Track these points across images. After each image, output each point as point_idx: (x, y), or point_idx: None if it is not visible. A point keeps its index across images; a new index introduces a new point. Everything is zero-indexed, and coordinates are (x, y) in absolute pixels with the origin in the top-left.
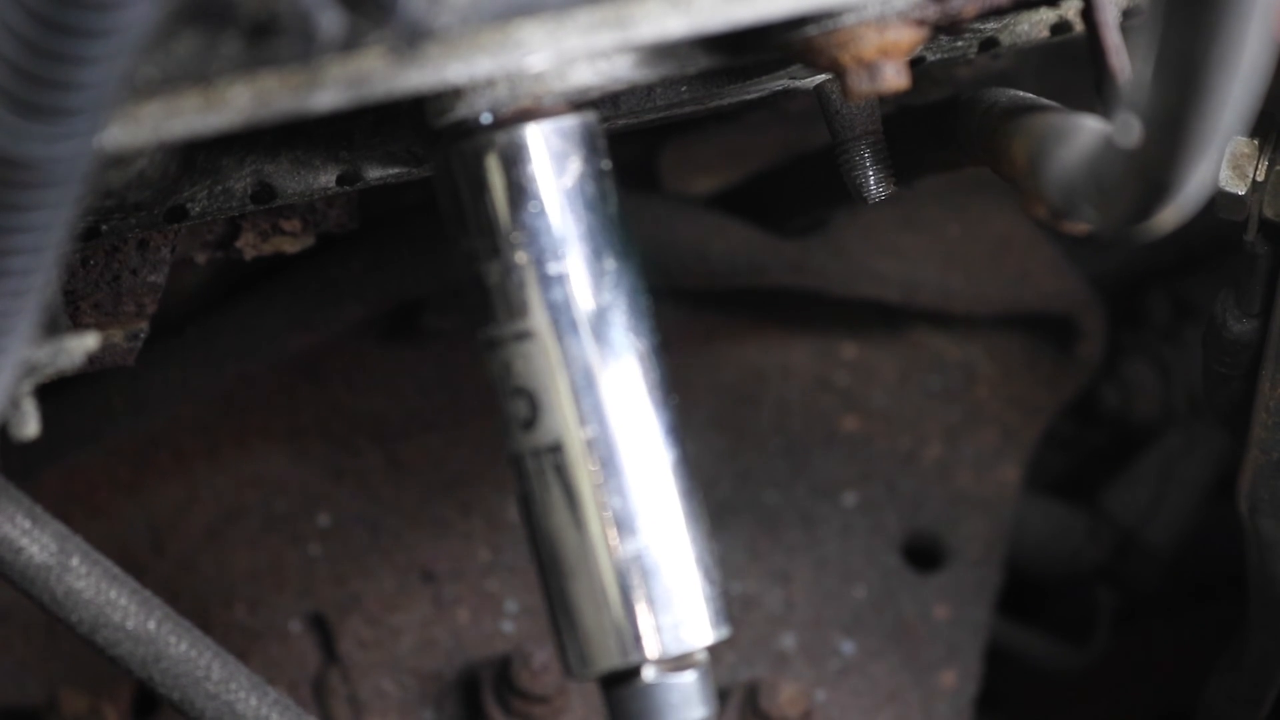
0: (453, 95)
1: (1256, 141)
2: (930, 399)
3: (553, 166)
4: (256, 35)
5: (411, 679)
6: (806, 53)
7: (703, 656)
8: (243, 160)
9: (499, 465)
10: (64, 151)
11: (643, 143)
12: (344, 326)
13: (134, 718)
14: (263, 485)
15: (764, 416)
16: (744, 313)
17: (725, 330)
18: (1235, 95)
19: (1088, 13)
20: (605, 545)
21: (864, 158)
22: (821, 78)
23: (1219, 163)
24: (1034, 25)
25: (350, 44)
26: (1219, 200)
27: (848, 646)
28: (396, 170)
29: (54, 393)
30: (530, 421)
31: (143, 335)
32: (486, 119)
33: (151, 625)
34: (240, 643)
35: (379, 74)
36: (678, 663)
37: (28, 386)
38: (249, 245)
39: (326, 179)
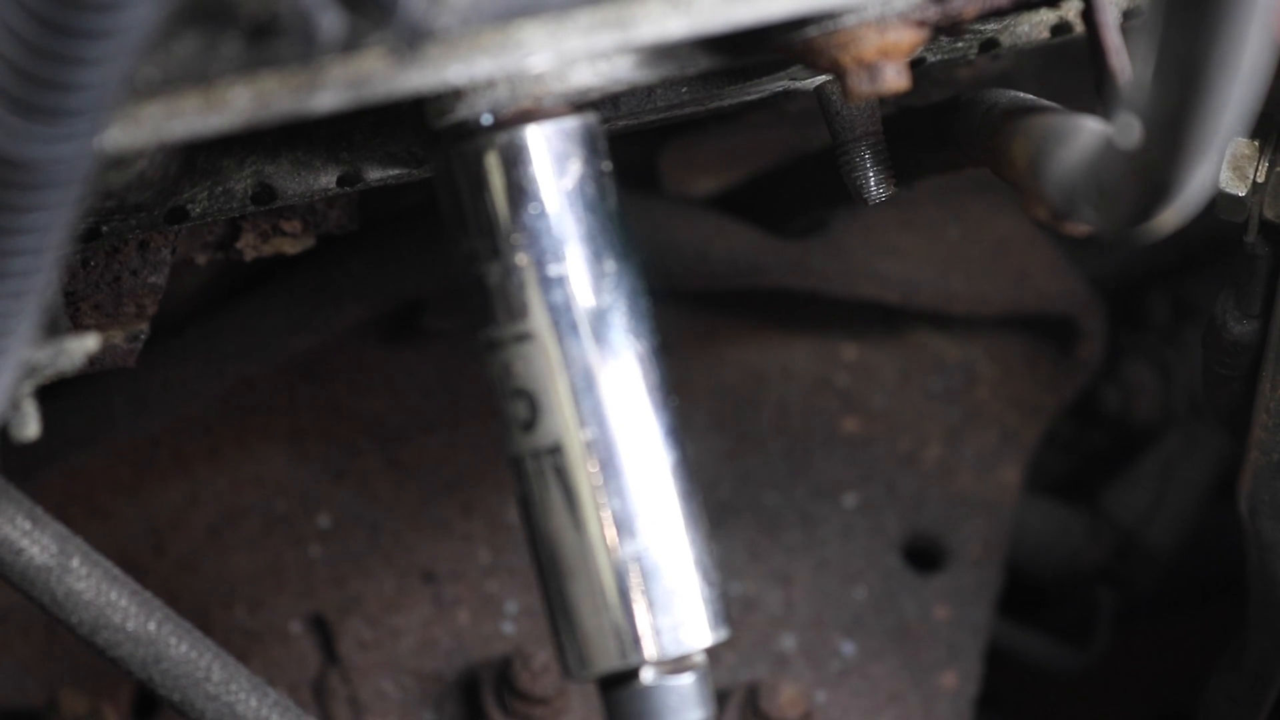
0: (453, 96)
1: (1257, 143)
2: (931, 400)
3: (553, 167)
4: (257, 36)
5: (412, 680)
6: (807, 54)
7: (701, 658)
8: (243, 161)
9: (499, 466)
10: (64, 152)
11: (643, 144)
12: (344, 327)
13: (134, 719)
14: (263, 486)
15: (764, 417)
16: (744, 314)
17: (725, 331)
18: (1235, 96)
19: (1088, 14)
20: (604, 547)
21: (864, 159)
22: (822, 79)
23: (1219, 164)
24: (1034, 26)
25: (350, 45)
26: (1219, 201)
27: (848, 647)
28: (397, 171)
29: (54, 394)
30: (530, 423)
31: (143, 336)
32: (487, 120)
33: (152, 626)
34: (241, 644)
35: (379, 75)
36: (676, 664)
37: (28, 388)
38: (249, 246)
39: (327, 180)
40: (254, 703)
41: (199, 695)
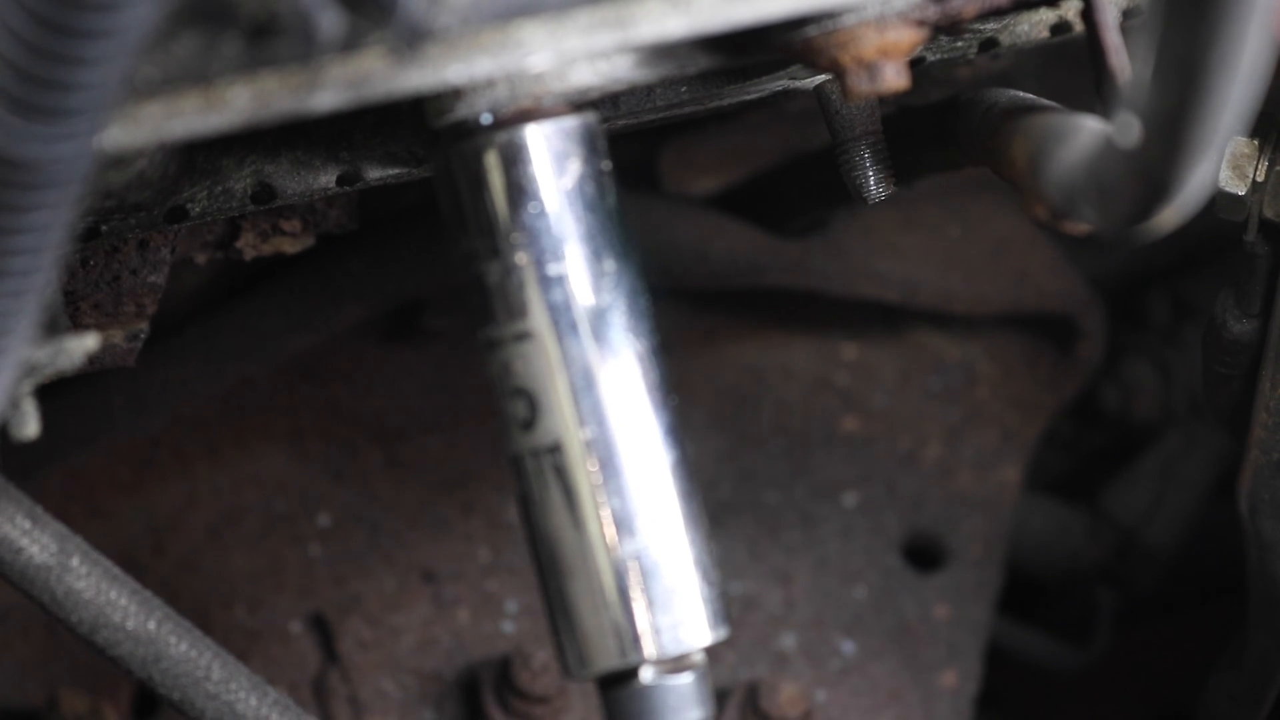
0: (453, 96)
1: (1256, 142)
2: (930, 399)
3: (553, 167)
4: (256, 36)
5: (412, 679)
6: (806, 53)
7: (700, 658)
8: (243, 161)
9: (499, 465)
10: (64, 152)
11: (643, 143)
12: (344, 327)
13: (134, 718)
14: (263, 485)
15: (764, 417)
16: (744, 313)
17: (725, 331)
18: (1235, 96)
19: (1087, 13)
20: (604, 546)
21: (864, 158)
22: (821, 78)
23: (1219, 163)
24: (1034, 26)
25: (350, 44)
26: (1219, 200)
27: (848, 646)
28: (396, 170)
29: (54, 393)
30: (530, 422)
31: (143, 336)
32: (486, 119)
33: (151, 625)
34: (240, 643)
35: (379, 74)
36: (675, 664)
37: (28, 387)
38: (249, 245)
39: (326, 179)
40: (254, 702)
41: (199, 694)
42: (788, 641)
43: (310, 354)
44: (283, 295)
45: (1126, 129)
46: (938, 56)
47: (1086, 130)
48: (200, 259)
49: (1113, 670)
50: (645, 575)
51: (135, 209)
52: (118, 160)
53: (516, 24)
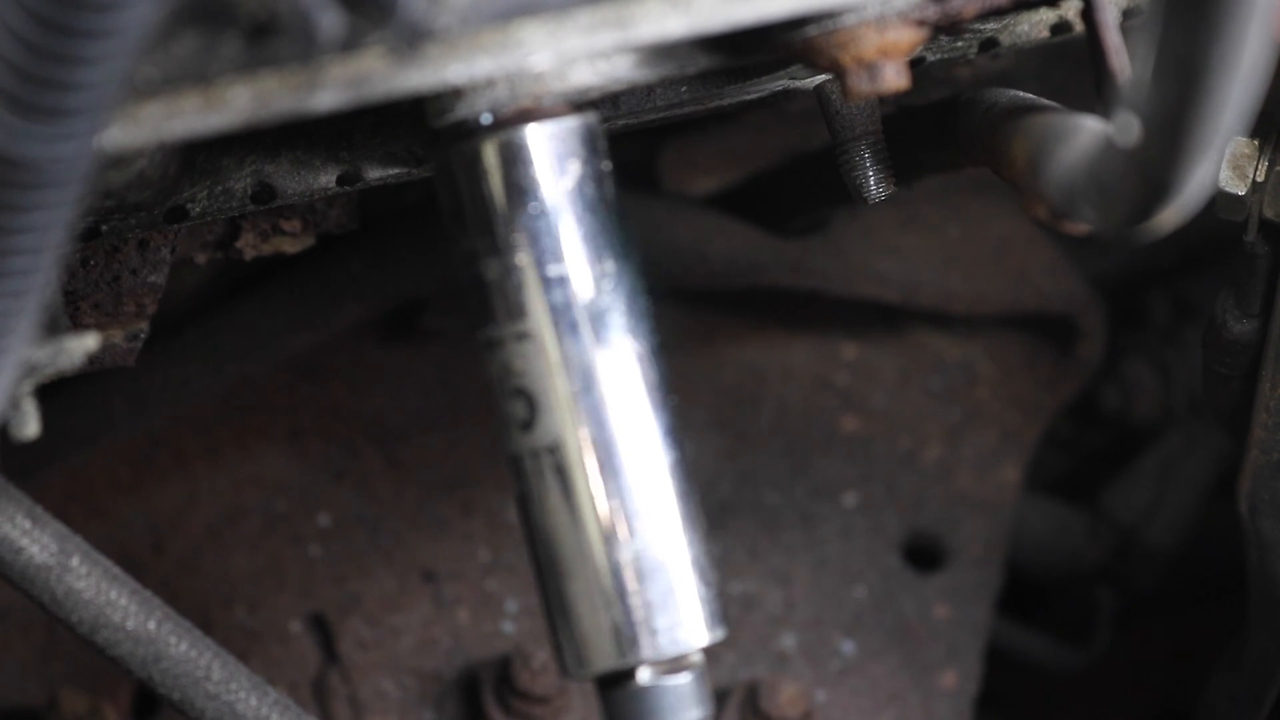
0: (453, 95)
1: (1256, 142)
2: (930, 399)
3: (552, 167)
4: (256, 35)
5: (412, 679)
6: (806, 53)
7: (698, 658)
8: (243, 160)
9: (499, 465)
10: (64, 152)
11: (643, 143)
12: (344, 326)
13: (134, 718)
14: (263, 485)
15: (764, 417)
16: (744, 313)
17: (725, 331)
18: (1235, 96)
19: (1088, 13)
20: (602, 546)
21: (864, 158)
22: (822, 78)
23: (1219, 163)
24: (1034, 25)
25: (350, 44)
26: (1219, 200)
27: (848, 647)
28: (396, 170)
29: (54, 393)
30: (529, 422)
31: (143, 335)
32: (486, 119)
33: (151, 625)
34: (240, 643)
35: (379, 74)
36: (674, 664)
37: (28, 387)
38: (249, 245)
39: (327, 179)
40: (254, 702)
41: (199, 694)
42: (788, 641)
43: (310, 354)
44: (283, 295)
45: (1127, 129)
46: (938, 56)
47: (1087, 130)
48: (200, 259)
49: (1113, 670)
50: (643, 576)
51: (135, 209)
52: (118, 160)
53: (516, 24)
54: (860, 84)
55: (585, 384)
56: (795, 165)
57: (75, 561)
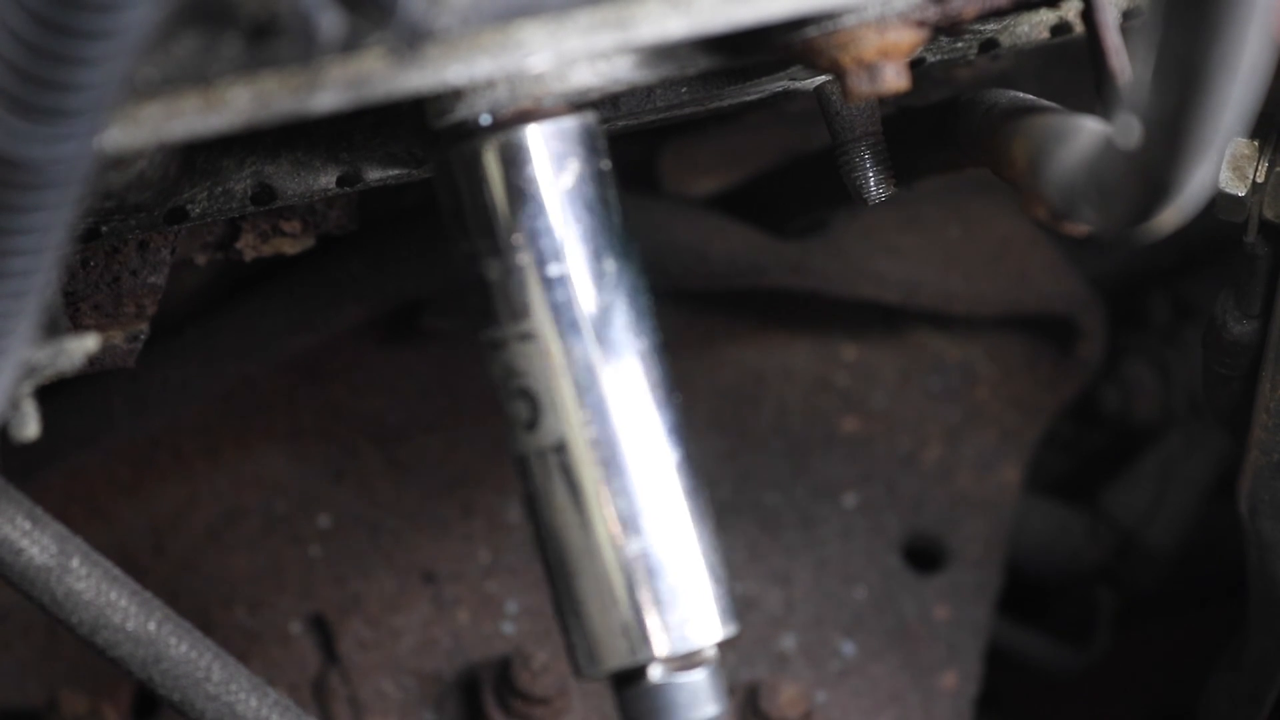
0: (453, 96)
1: (1256, 143)
2: (930, 400)
3: (553, 167)
4: (256, 36)
5: (412, 680)
6: (807, 54)
7: (712, 654)
8: (243, 161)
9: (499, 466)
10: (64, 153)
11: (643, 144)
12: (344, 327)
13: (134, 719)
14: (263, 486)
15: (764, 417)
16: (744, 314)
17: (725, 331)
18: (1235, 97)
19: (1088, 14)
20: (611, 544)
21: (864, 159)
22: (822, 79)
23: (1219, 164)
24: (1034, 26)
25: (350, 45)
26: (1219, 201)
27: (848, 647)
28: (396, 171)
29: (54, 394)
30: (534, 422)
31: (143, 336)
32: (486, 120)
33: (152, 626)
34: (240, 644)
35: (379, 75)
36: (687, 660)
37: (28, 388)
38: (249, 246)
39: (327, 180)
40: (254, 703)
41: (199, 695)
42: (788, 642)
43: (310, 354)
44: (283, 296)
45: (1127, 130)
46: (938, 57)
47: (1087, 131)
48: (200, 260)
49: (1113, 670)
50: (653, 573)
51: (135, 210)
52: (118, 161)
53: (516, 24)
54: (860, 85)
55: (589, 383)
56: (795, 166)
57: (75, 562)
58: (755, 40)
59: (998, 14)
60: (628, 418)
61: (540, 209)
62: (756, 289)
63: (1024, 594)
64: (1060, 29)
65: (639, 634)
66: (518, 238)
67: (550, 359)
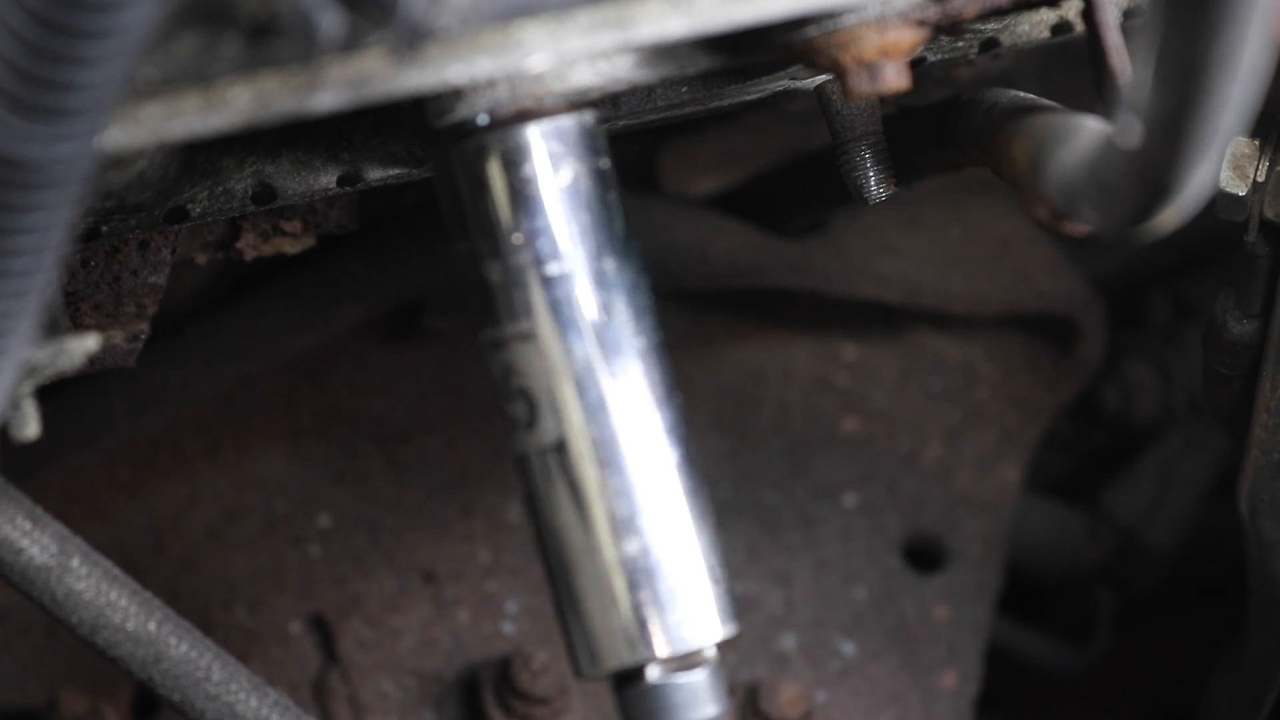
0: (453, 96)
1: (1257, 142)
2: (931, 400)
3: (553, 167)
4: (257, 36)
5: (412, 680)
6: (807, 53)
7: (712, 654)
8: (243, 161)
9: (499, 466)
10: (64, 152)
11: (643, 143)
12: (344, 327)
13: (134, 719)
14: (263, 486)
15: (764, 417)
16: (744, 314)
17: (725, 331)
18: (1236, 96)
19: (1088, 13)
20: (611, 544)
21: (864, 158)
22: (822, 78)
23: (1219, 163)
24: (1034, 26)
25: (350, 45)
26: (1219, 201)
27: (848, 647)
28: (397, 171)
29: (54, 394)
30: (534, 422)
31: (143, 336)
32: (486, 120)
33: (152, 626)
34: (241, 644)
35: (379, 75)
36: (687, 660)
37: (28, 387)
38: (249, 246)
39: (327, 180)
40: (254, 703)
41: (199, 695)
42: (788, 642)
43: (310, 354)
44: (283, 295)
45: (1127, 129)
46: (938, 57)
47: (1087, 130)
48: (201, 259)
49: (1113, 670)
50: (653, 573)
51: (136, 209)
52: (118, 160)
53: (517, 24)
54: (861, 84)
55: (589, 383)
56: (795, 165)
57: (75, 562)
58: (755, 40)
59: (998, 13)
60: (628, 417)
61: (540, 208)
62: (757, 289)
63: (1024, 594)
64: (1060, 28)
65: (639, 634)
66: (518, 237)
67: (550, 359)
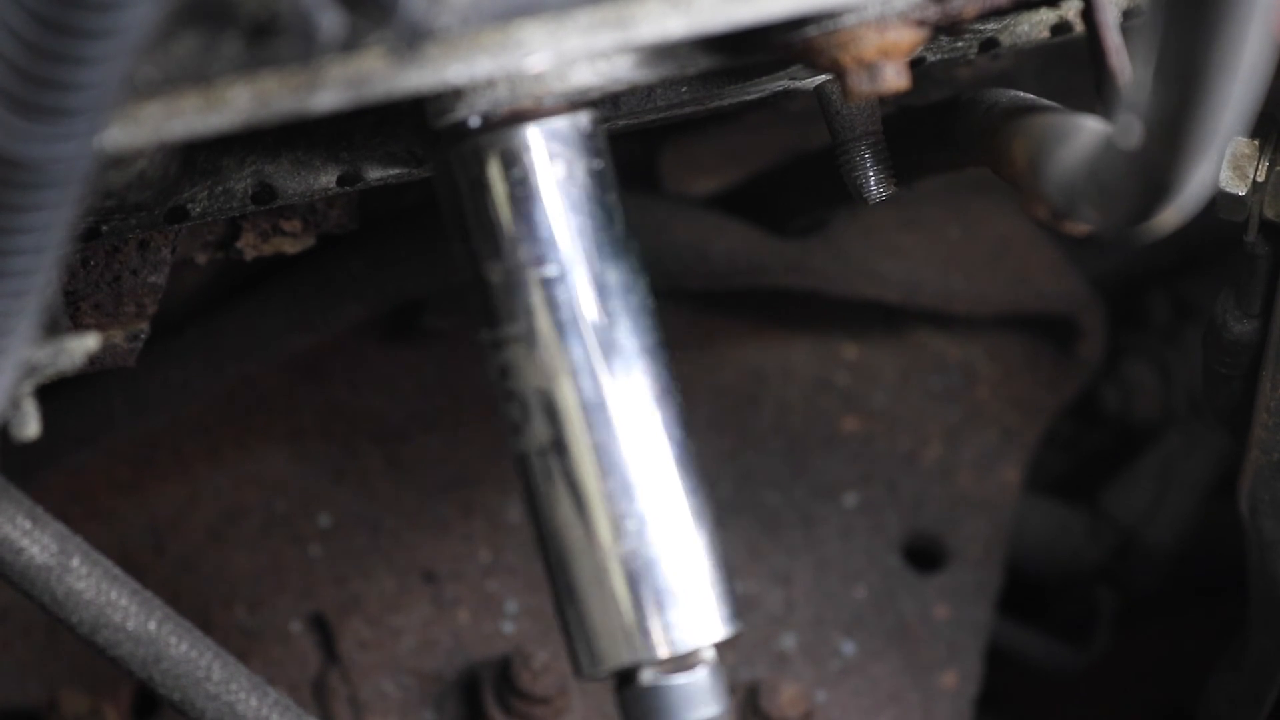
0: (453, 96)
1: (1257, 142)
2: (931, 399)
3: (552, 167)
4: (257, 36)
5: (412, 679)
6: (807, 53)
7: (712, 654)
8: (243, 161)
9: (499, 465)
10: (64, 152)
11: (643, 143)
12: (344, 326)
13: (134, 718)
14: (263, 486)
15: (764, 417)
16: (744, 313)
17: (726, 331)
18: (1236, 96)
19: (1088, 13)
20: (611, 544)
21: (864, 158)
22: (822, 78)
23: (1219, 163)
24: (1034, 26)
25: (350, 44)
26: (1219, 201)
27: (848, 647)
28: (397, 171)
29: (54, 393)
30: (534, 422)
31: (143, 336)
32: (486, 120)
33: (152, 626)
34: (241, 643)
35: (379, 74)
36: (687, 660)
37: (28, 387)
38: (249, 246)
39: (327, 179)
40: (254, 702)
41: (199, 695)
42: (788, 642)
43: (310, 354)
44: (283, 295)
45: (1127, 129)
46: (938, 57)
47: (1087, 130)
48: (201, 259)
49: (1113, 670)
50: (653, 573)
51: (136, 209)
52: (118, 160)
53: (516, 24)
54: (860, 84)
55: (588, 383)
56: (795, 165)
57: (75, 562)
58: (755, 40)
59: (998, 13)
60: (627, 418)
61: (540, 208)
62: (756, 288)
63: (1024, 594)
64: (1060, 28)
65: (639, 634)
66: (518, 237)
67: (550, 359)
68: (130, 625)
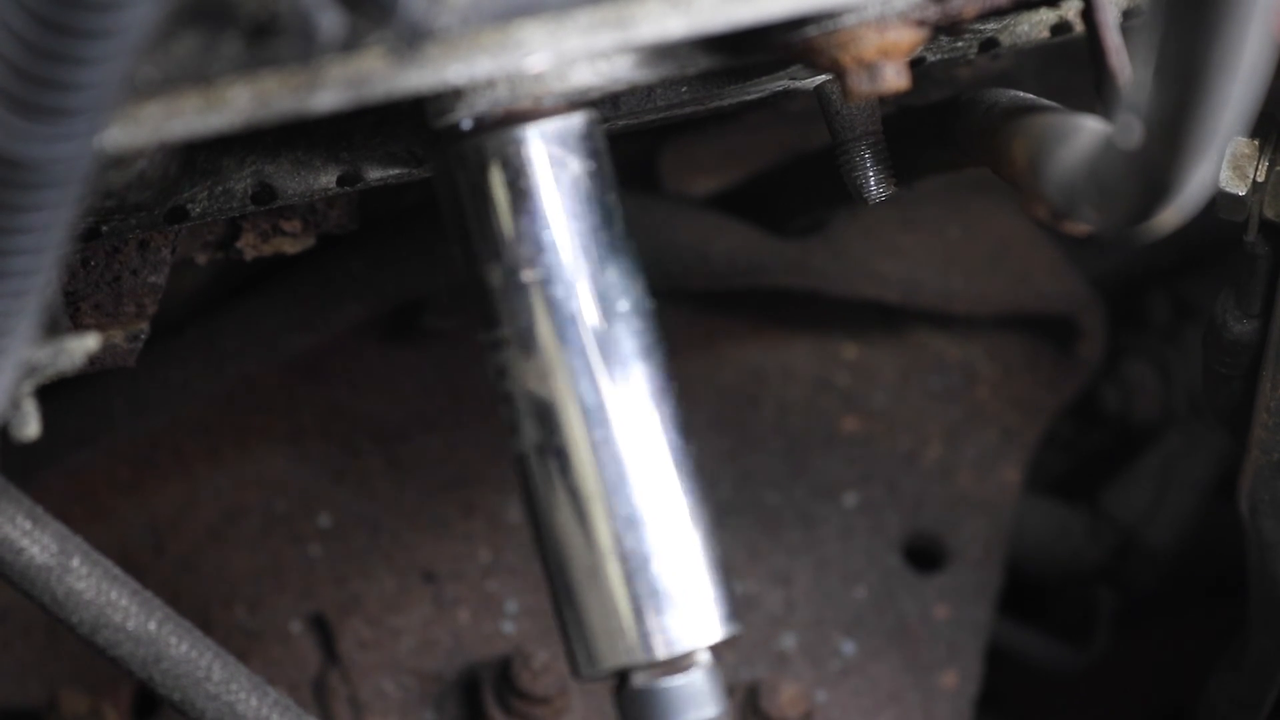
0: (453, 96)
1: (1257, 142)
2: (931, 399)
3: (552, 167)
4: (256, 35)
5: (412, 679)
6: (807, 53)
7: (708, 656)
8: (243, 161)
9: (500, 465)
10: (64, 152)
11: (643, 143)
12: (344, 327)
13: (134, 718)
14: (263, 486)
15: (764, 417)
16: (744, 313)
17: (726, 331)
18: (1236, 96)
19: (1088, 13)
20: (610, 545)
21: (864, 158)
22: (822, 78)
23: (1219, 163)
24: (1034, 26)
25: (350, 44)
26: (1219, 201)
27: (848, 647)
28: (397, 171)
29: (54, 393)
30: (533, 423)
31: (143, 336)
32: (486, 120)
33: (152, 626)
34: (241, 643)
35: (379, 74)
36: (685, 661)
37: (28, 387)
38: (249, 246)
39: (327, 179)
40: (254, 702)
41: (199, 695)
42: (788, 642)
43: (310, 354)
44: (283, 295)
45: (1127, 129)
46: (938, 56)
47: (1087, 130)
48: (201, 259)
49: (1113, 670)
50: (652, 573)
51: (136, 209)
52: (118, 160)
53: (516, 24)
54: (860, 84)
55: (588, 383)
56: (795, 165)
57: (76, 562)
58: (755, 40)
59: (998, 13)
60: (626, 419)
61: (540, 208)
62: (756, 288)
63: (1024, 594)
64: (1060, 28)
65: (638, 634)
66: (516, 238)
67: (549, 360)
68: (130, 625)
